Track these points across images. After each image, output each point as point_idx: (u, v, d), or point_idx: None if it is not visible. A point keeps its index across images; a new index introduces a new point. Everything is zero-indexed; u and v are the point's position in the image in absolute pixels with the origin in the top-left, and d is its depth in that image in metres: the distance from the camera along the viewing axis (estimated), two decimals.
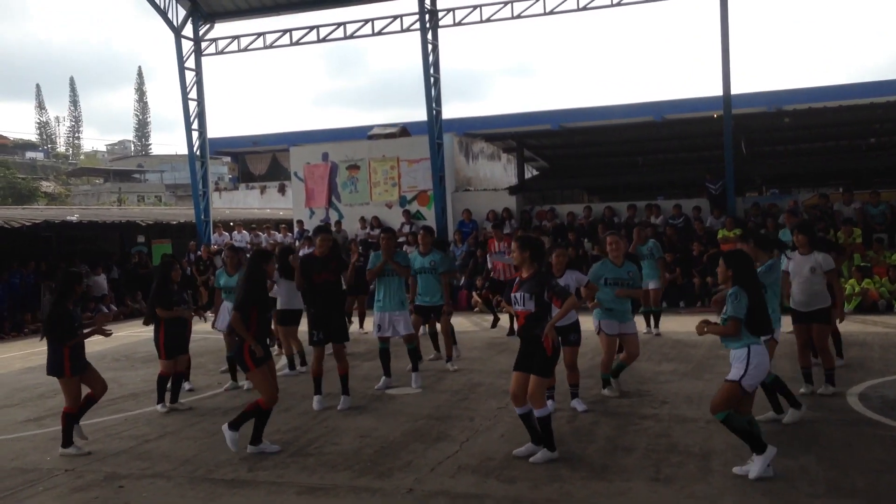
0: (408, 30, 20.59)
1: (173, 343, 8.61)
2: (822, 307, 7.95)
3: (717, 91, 18.33)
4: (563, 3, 19.30)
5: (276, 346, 11.21)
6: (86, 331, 7.33)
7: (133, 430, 7.94)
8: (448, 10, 20.28)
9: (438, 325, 10.57)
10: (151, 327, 8.73)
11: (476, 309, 16.56)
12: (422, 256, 10.08)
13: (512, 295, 6.40)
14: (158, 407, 8.66)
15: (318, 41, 21.66)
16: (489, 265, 14.39)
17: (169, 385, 8.72)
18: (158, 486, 6.18)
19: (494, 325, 13.97)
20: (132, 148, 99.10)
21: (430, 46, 20.02)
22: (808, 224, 9.31)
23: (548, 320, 6.22)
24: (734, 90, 18.22)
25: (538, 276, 6.30)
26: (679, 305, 15.85)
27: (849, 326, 12.56)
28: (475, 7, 19.99)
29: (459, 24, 20.21)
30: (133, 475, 6.45)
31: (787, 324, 8.03)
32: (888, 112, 19.77)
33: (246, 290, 6.94)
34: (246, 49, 22.14)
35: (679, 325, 12.96)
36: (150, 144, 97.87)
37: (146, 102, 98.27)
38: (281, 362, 10.85)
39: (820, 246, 8.24)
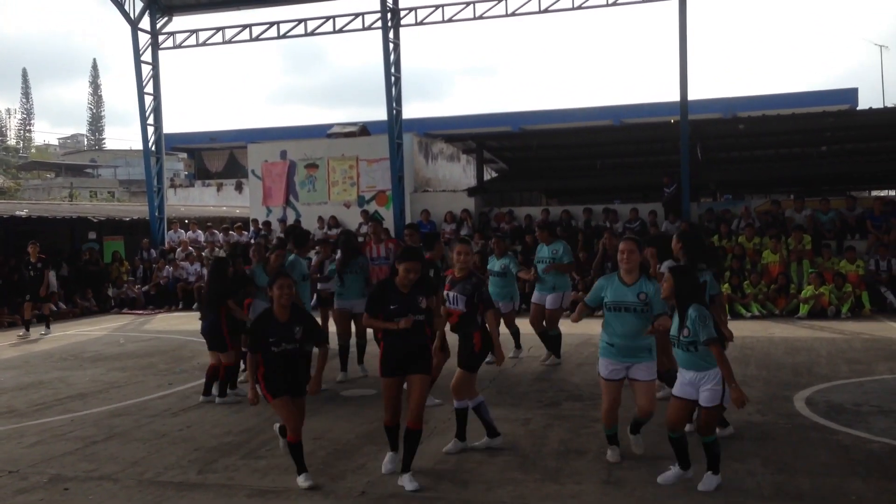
0: (369, 28, 20.55)
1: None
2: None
3: (675, 97, 18.63)
4: (524, 4, 19.45)
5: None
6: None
7: (80, 431, 7.76)
8: (410, 10, 20.29)
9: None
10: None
11: None
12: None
13: (445, 293, 6.53)
14: (217, 399, 8.74)
15: (279, 37, 21.53)
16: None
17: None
18: (105, 488, 6.05)
19: None
20: (85, 142, 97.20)
21: (391, 45, 19.98)
22: (686, 233, 8.60)
23: (476, 322, 6.41)
24: (691, 96, 18.53)
25: (470, 279, 6.45)
26: None
27: (797, 332, 12.88)
28: (437, 7, 20.02)
29: (421, 23, 20.23)
30: (79, 477, 6.31)
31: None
32: (839, 121, 20.22)
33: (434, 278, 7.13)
34: (204, 43, 21.89)
35: None
36: (103, 139, 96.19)
37: (101, 96, 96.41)
38: None
39: (669, 256, 7.44)
